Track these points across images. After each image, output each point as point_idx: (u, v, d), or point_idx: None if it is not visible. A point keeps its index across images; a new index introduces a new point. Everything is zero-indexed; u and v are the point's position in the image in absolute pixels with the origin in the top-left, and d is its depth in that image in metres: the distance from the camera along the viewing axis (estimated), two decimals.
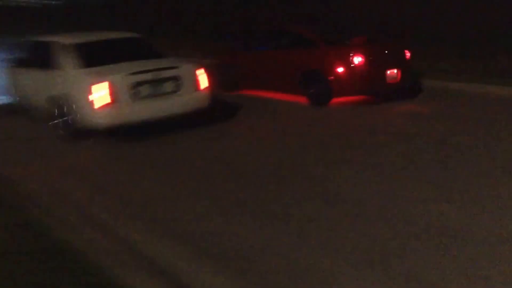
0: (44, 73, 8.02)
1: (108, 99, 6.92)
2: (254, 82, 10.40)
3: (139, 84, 7.13)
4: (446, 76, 10.93)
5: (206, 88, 7.81)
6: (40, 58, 8.23)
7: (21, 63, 8.95)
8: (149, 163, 6.50)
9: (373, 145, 6.74)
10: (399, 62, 9.08)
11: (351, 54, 8.69)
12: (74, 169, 6.45)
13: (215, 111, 8.37)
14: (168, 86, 7.42)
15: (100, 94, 6.91)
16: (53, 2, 35.85)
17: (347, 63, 8.71)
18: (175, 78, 7.45)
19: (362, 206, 4.68)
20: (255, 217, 4.57)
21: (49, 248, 4.11)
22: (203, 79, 7.75)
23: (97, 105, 6.96)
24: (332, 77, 8.82)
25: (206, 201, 5.06)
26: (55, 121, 7.72)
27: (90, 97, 6.96)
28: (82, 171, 6.38)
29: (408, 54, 9.31)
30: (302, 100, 9.29)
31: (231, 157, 6.53)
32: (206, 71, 7.87)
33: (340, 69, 8.75)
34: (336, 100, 9.06)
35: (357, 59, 8.68)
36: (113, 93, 6.92)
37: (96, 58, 7.48)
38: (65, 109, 7.45)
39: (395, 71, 8.95)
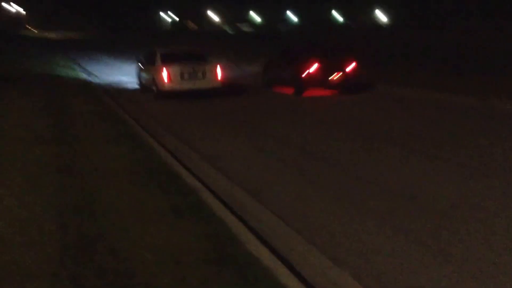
0: (150, 66, 15.99)
1: (168, 78, 14.60)
2: (277, 81, 17.32)
3: (183, 72, 14.68)
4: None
5: (220, 77, 15.08)
6: (149, 59, 16.26)
7: (141, 61, 17.15)
8: (193, 113, 13.84)
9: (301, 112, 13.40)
10: (342, 68, 15.30)
11: (308, 64, 15.27)
12: (150, 111, 14.20)
13: (226, 90, 15.56)
14: (200, 74, 14.85)
15: (164, 76, 14.62)
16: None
17: (307, 69, 15.29)
18: (203, 71, 14.88)
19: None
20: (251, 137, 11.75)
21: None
22: (219, 72, 15.05)
23: (164, 81, 14.68)
24: (301, 77, 15.45)
25: (229, 136, 11.99)
26: (153, 91, 15.60)
27: (161, 77, 14.72)
28: (154, 111, 14.10)
29: (353, 64, 15.43)
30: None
31: (233, 110, 13.76)
32: (222, 68, 15.17)
33: (304, 72, 15.35)
34: (310, 92, 15.58)
35: (312, 66, 15.21)
36: (169, 75, 14.59)
37: (170, 59, 15.19)
38: (155, 84, 15.30)
39: (338, 74, 15.22)
